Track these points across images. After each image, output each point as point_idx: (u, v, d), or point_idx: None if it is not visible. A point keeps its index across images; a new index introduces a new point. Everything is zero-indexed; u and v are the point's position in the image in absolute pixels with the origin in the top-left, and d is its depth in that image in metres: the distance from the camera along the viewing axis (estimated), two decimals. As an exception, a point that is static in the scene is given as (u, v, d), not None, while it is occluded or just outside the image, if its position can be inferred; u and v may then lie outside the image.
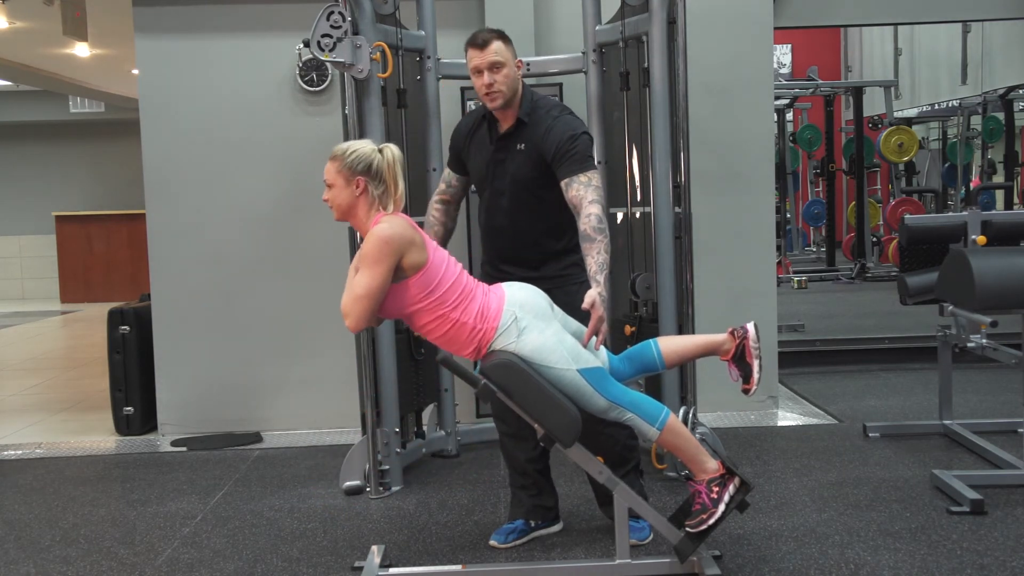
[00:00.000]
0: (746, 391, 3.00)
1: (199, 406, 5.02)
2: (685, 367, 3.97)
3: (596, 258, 2.98)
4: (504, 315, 2.83)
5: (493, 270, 3.36)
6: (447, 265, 2.89)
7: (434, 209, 3.51)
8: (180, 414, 5.03)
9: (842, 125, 12.51)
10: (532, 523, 3.36)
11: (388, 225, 2.81)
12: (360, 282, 2.79)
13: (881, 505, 3.57)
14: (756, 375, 2.98)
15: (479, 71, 3.17)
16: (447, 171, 3.49)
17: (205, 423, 5.01)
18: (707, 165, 4.78)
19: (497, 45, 3.16)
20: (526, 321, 2.83)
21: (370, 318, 2.84)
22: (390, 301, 2.84)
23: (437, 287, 2.83)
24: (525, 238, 3.28)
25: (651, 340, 3.10)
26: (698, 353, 3.16)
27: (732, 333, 3.03)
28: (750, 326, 3.02)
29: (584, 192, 3.06)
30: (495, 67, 3.14)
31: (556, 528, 3.41)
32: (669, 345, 3.10)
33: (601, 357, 2.96)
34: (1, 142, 12.90)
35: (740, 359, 3.00)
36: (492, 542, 3.31)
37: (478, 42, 3.17)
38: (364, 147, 2.92)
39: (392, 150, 2.93)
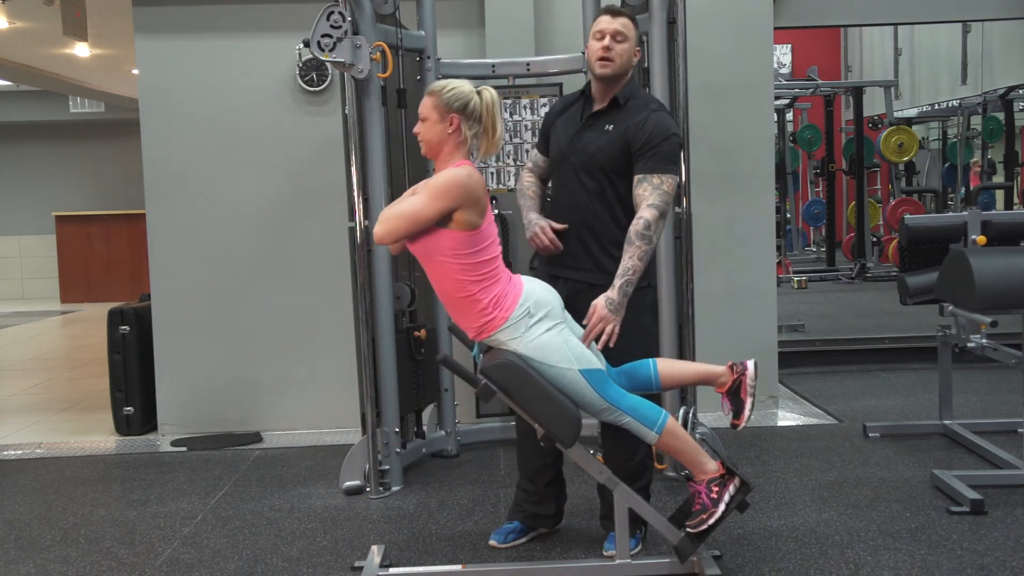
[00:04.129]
0: (735, 426, 3.01)
1: (199, 406, 5.02)
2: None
3: (624, 262, 2.97)
4: (517, 308, 2.83)
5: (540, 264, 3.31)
6: (492, 241, 2.89)
7: (526, 178, 3.44)
8: (180, 414, 5.03)
9: (842, 125, 12.51)
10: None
11: (467, 173, 2.83)
12: (412, 204, 2.83)
13: (881, 505, 3.57)
14: (747, 412, 2.98)
15: (602, 35, 3.16)
16: (534, 152, 3.47)
17: (205, 423, 5.01)
18: (707, 165, 4.78)
19: (626, 21, 3.18)
20: (537, 318, 2.83)
21: (398, 239, 2.86)
22: (425, 239, 2.85)
23: (473, 254, 2.83)
24: (584, 218, 3.18)
25: (650, 359, 3.10)
26: (695, 380, 3.18)
27: (731, 367, 3.04)
28: (750, 364, 3.02)
29: (648, 194, 3.03)
30: (618, 36, 3.15)
31: (556, 527, 3.41)
32: (667, 368, 3.10)
33: (601, 363, 2.97)
34: (1, 142, 12.90)
35: (735, 394, 3.01)
36: (492, 542, 3.31)
37: (612, 10, 3.21)
38: (463, 86, 2.94)
39: (491, 93, 2.95)
